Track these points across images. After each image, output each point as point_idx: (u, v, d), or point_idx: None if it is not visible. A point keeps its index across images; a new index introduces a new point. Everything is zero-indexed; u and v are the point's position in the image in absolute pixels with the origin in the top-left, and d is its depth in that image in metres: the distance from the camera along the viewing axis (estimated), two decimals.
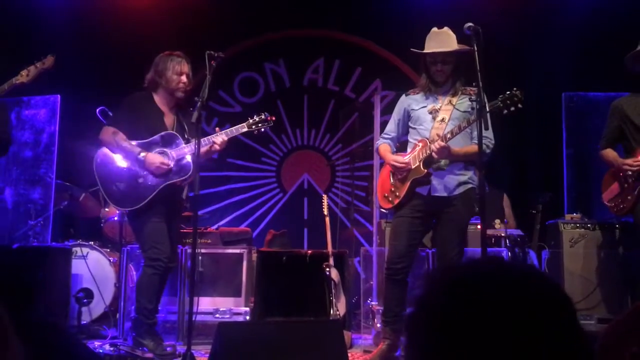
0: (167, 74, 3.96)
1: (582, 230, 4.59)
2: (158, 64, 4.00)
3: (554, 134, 6.10)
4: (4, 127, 3.95)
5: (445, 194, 3.68)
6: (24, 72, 3.79)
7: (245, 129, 4.00)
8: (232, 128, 4.02)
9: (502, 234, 4.98)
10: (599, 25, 5.91)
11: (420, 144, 3.71)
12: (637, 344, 1.18)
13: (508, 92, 3.40)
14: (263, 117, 4.04)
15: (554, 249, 4.78)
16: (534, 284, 0.84)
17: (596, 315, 4.40)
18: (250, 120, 4.03)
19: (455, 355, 0.80)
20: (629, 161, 3.88)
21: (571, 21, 6.08)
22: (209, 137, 3.97)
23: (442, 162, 3.68)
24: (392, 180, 3.85)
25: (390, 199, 3.84)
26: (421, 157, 3.68)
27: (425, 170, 3.66)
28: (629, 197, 3.94)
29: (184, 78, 3.98)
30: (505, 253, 4.65)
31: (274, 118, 4.07)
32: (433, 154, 3.60)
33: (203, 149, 3.90)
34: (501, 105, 3.40)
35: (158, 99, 4.04)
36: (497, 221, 5.21)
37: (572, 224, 4.63)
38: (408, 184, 3.73)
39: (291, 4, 6.86)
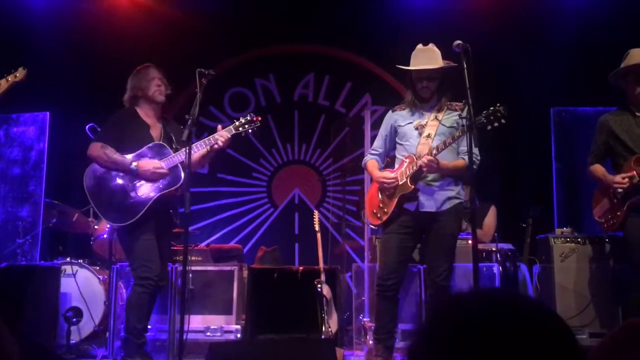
0: (141, 84, 4.00)
1: (573, 244, 4.60)
2: (130, 81, 4.06)
3: (543, 149, 6.14)
4: None
5: (433, 210, 3.69)
6: None
7: (233, 132, 3.94)
8: (216, 134, 3.95)
9: (493, 248, 4.99)
10: (586, 40, 5.98)
11: (407, 160, 3.72)
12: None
13: (492, 108, 3.42)
14: (249, 118, 3.98)
15: (545, 263, 4.79)
16: (544, 322, 0.83)
17: (588, 330, 4.40)
18: (237, 123, 3.99)
19: None
20: (618, 178, 3.89)
21: (558, 37, 6.15)
22: (209, 137, 3.94)
23: (430, 177, 3.70)
24: (380, 197, 3.85)
25: (378, 215, 3.85)
26: (408, 173, 3.69)
27: (413, 186, 3.67)
28: (618, 213, 3.96)
29: (157, 81, 4.01)
30: (497, 267, 4.65)
31: (259, 118, 4.00)
32: (422, 168, 3.61)
33: (200, 153, 3.91)
34: (485, 121, 3.42)
35: (142, 112, 4.04)
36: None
37: (563, 239, 4.65)
38: (396, 200, 3.73)
39: (281, 19, 6.89)
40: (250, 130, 3.97)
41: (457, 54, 3.35)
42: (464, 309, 0.85)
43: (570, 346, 0.82)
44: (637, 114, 3.93)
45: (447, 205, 3.69)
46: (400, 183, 3.71)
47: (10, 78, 3.77)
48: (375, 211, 3.87)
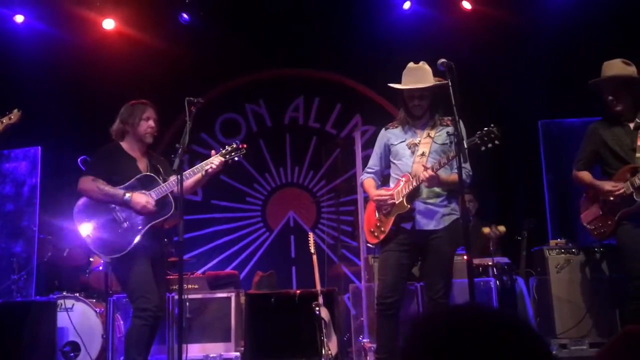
0: (135, 121, 3.99)
1: (567, 255, 4.62)
2: (123, 113, 4.04)
3: (534, 162, 6.19)
4: None
5: (430, 228, 3.70)
6: None
7: (220, 159, 3.94)
8: (204, 162, 3.96)
9: (489, 263, 4.99)
10: (569, 53, 6.06)
11: (404, 179, 3.74)
12: None
13: (485, 129, 3.44)
14: (235, 145, 4.00)
15: (541, 275, 4.80)
16: (516, 339, 0.85)
17: (587, 340, 4.40)
18: (223, 151, 4.01)
19: None
20: (609, 187, 3.92)
21: (542, 51, 6.24)
22: (202, 163, 3.96)
23: (425, 194, 3.71)
24: (377, 215, 3.86)
25: (376, 234, 3.86)
26: (404, 192, 3.70)
27: (409, 206, 3.68)
28: (609, 222, 3.97)
29: (151, 123, 4.01)
30: (493, 282, 4.65)
31: (245, 146, 4.02)
32: (423, 183, 3.61)
33: (193, 179, 3.92)
34: (479, 142, 3.43)
35: (127, 146, 4.05)
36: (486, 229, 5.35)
37: (557, 250, 4.67)
38: (392, 219, 3.75)
39: (269, 45, 6.96)
40: (236, 158, 4.00)
41: (443, 72, 3.39)
42: (438, 326, 0.87)
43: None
44: (626, 123, 3.98)
45: (443, 223, 3.70)
46: (397, 202, 3.73)
47: (5, 120, 3.79)
48: (372, 230, 3.88)
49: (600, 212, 4.02)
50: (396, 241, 3.75)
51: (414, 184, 3.65)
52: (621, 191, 3.84)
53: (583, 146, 4.17)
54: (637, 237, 3.84)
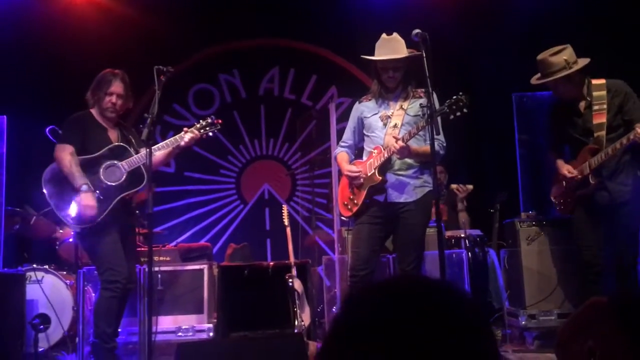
0: (98, 93, 3.92)
1: (538, 227, 4.67)
2: (94, 82, 3.98)
3: (507, 134, 6.21)
4: None
5: (401, 200, 3.70)
6: None
7: (194, 134, 3.93)
8: (177, 136, 3.95)
9: (462, 235, 5.04)
10: (543, 25, 6.04)
11: (375, 151, 3.73)
12: (593, 339, 1.20)
13: (454, 97, 3.43)
14: (210, 120, 3.99)
15: (512, 247, 4.86)
16: (441, 305, 0.83)
17: (556, 311, 4.48)
18: (197, 125, 3.98)
19: None
20: (565, 171, 3.99)
21: (516, 22, 6.21)
22: (173, 137, 3.93)
23: (397, 166, 3.70)
24: (350, 189, 3.86)
25: (349, 207, 3.87)
26: (376, 164, 3.69)
27: (381, 178, 3.69)
28: (569, 200, 4.07)
29: (113, 98, 3.92)
30: (465, 254, 4.69)
31: (220, 121, 4.01)
32: (394, 155, 3.61)
33: (164, 152, 3.91)
34: (447, 110, 3.43)
35: (97, 116, 3.98)
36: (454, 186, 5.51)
37: (528, 222, 4.71)
38: (365, 191, 3.75)
39: (243, 13, 6.82)
40: (210, 134, 3.98)
41: (417, 43, 3.35)
42: (364, 296, 0.85)
43: (472, 334, 0.82)
44: (576, 103, 3.98)
45: (415, 195, 3.70)
46: (368, 174, 3.73)
47: None
48: (345, 203, 3.89)
49: (564, 189, 4.09)
50: (369, 214, 3.76)
51: (385, 155, 3.65)
52: (574, 176, 3.91)
53: (549, 127, 4.20)
54: (582, 222, 3.98)
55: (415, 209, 3.70)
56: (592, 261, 3.94)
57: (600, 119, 3.86)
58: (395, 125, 3.72)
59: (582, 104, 3.94)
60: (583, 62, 3.90)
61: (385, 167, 3.70)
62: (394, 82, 3.78)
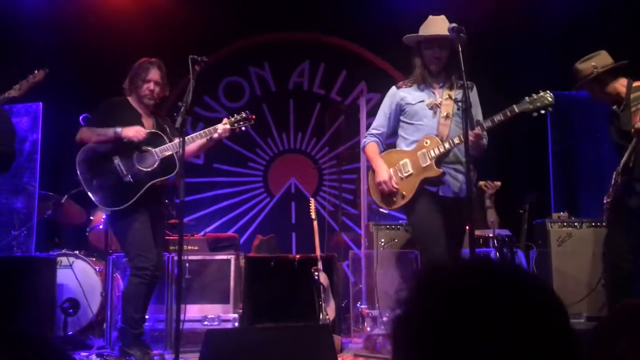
0: (136, 81, 3.98)
1: (570, 229, 4.59)
2: (132, 70, 4.04)
3: (539, 133, 6.11)
4: (8, 140, 3.87)
5: (452, 195, 3.53)
6: (16, 87, 3.74)
7: (228, 127, 3.98)
8: (211, 127, 4.01)
9: (490, 235, 4.98)
10: (580, 24, 5.93)
11: (429, 141, 3.52)
12: (625, 341, 1.17)
13: (540, 93, 3.30)
14: (244, 115, 4.05)
15: (541, 248, 4.78)
16: (526, 287, 0.81)
17: (585, 314, 4.41)
18: (232, 119, 4.03)
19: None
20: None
21: (554, 21, 6.11)
22: (208, 129, 4.00)
23: (449, 159, 3.52)
24: (394, 179, 3.59)
25: (394, 198, 3.60)
26: (433, 155, 3.49)
27: (440, 170, 3.48)
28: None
29: (150, 85, 3.98)
30: (493, 253, 4.65)
31: (254, 117, 4.07)
32: (471, 142, 3.31)
33: (197, 143, 3.97)
34: (531, 107, 3.31)
35: (134, 103, 4.04)
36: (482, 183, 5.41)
37: (560, 223, 4.64)
38: (417, 183, 3.52)
39: (275, 7, 6.83)
40: (243, 128, 4.05)
41: (452, 38, 3.30)
42: (447, 279, 0.83)
43: (557, 319, 0.80)
44: (616, 106, 3.88)
45: (465, 191, 3.44)
46: (423, 165, 3.51)
47: (30, 79, 3.79)
48: (389, 195, 3.59)
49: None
50: (426, 204, 3.51)
51: (446, 146, 3.47)
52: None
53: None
54: (613, 224, 3.86)
55: (464, 206, 3.42)
56: (622, 265, 3.85)
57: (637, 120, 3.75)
58: (447, 116, 3.54)
59: (619, 107, 3.83)
60: (604, 65, 3.78)
61: (441, 159, 3.52)
62: (439, 64, 3.58)
